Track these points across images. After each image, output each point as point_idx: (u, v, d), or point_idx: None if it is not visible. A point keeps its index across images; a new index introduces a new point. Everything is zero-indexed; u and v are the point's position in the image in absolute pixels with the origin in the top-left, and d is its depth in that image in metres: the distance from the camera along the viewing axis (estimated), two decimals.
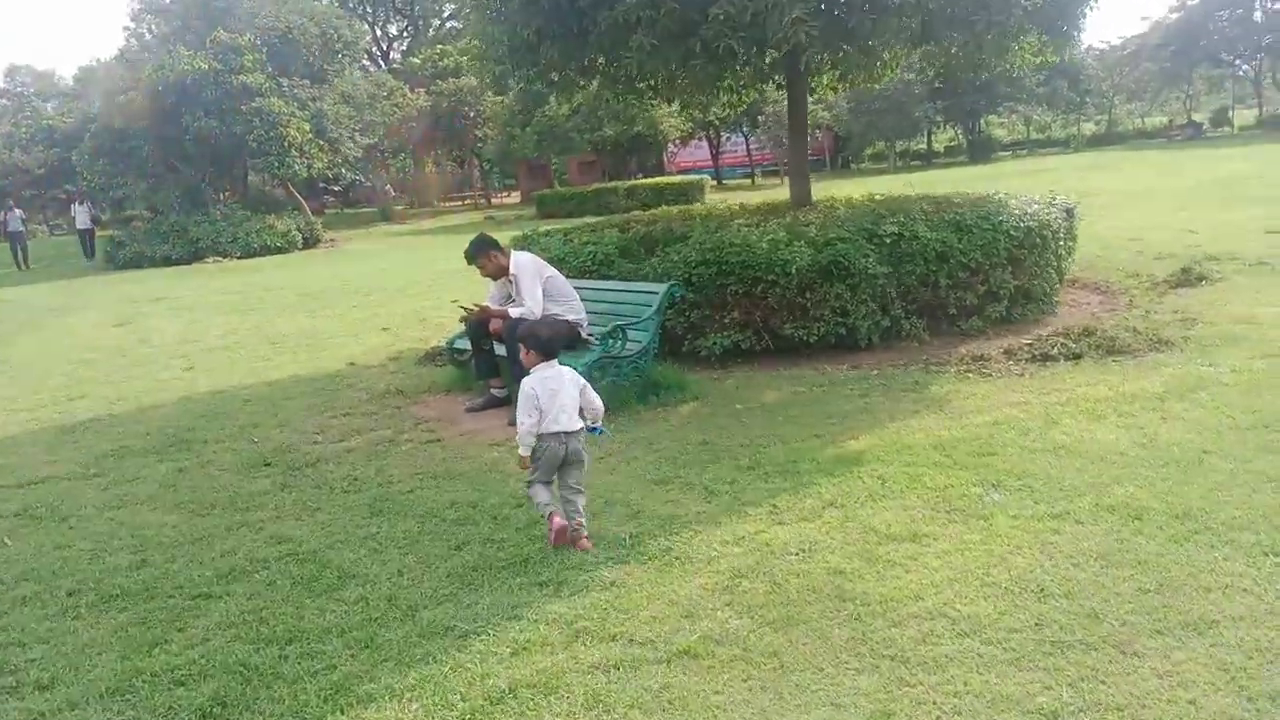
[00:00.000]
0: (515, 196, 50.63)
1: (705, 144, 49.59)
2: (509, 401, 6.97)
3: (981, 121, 56.23)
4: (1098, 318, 8.31)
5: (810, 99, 10.79)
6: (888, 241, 7.78)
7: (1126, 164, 29.91)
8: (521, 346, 4.40)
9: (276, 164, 27.00)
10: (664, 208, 11.18)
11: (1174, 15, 52.61)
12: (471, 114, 38.06)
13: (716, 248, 7.72)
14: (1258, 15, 49.23)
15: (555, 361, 4.31)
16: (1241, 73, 54.05)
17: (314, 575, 4.20)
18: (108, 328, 13.80)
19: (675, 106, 12.70)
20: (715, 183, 40.66)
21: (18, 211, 29.90)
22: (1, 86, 64.92)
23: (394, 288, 15.64)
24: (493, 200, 48.45)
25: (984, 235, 8.00)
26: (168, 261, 25.06)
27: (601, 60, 8.82)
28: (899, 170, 48.82)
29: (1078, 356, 6.88)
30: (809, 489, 4.72)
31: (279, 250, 26.42)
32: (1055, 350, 7.02)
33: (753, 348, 7.69)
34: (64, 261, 29.17)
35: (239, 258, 25.42)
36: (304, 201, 30.39)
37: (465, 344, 7.70)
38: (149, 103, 26.18)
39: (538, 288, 6.75)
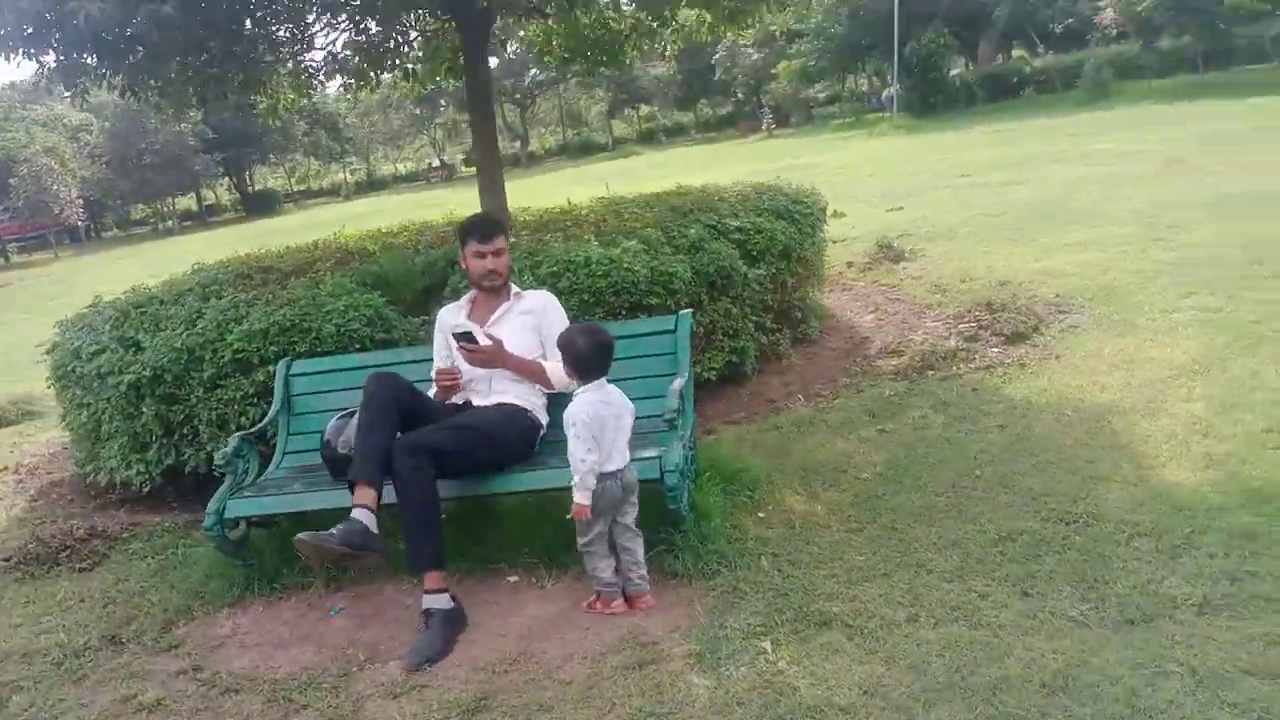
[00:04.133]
0: None
1: None
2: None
3: (252, 174, 53.55)
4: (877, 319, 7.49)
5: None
6: (737, 239, 6.07)
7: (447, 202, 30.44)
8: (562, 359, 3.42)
9: None
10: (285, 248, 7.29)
11: None
12: None
13: (566, 268, 5.20)
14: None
15: (605, 380, 3.38)
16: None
17: None
18: None
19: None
20: None
21: None
22: None
23: None
24: None
25: (808, 223, 6.73)
26: None
27: None
28: (174, 232, 43.77)
29: (1016, 337, 5.96)
30: None
31: None
32: (988, 330, 6.07)
33: None
34: None
35: None
36: None
37: (257, 507, 3.97)
38: None
39: None
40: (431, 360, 4.24)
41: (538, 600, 3.57)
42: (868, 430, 4.72)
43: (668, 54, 8.38)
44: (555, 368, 3.91)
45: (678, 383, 3.83)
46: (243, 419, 4.83)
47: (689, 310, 4.34)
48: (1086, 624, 2.89)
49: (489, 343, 3.86)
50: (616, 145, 52.56)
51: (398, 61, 7.64)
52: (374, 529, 3.32)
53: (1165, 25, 27.08)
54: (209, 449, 4.89)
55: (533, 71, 50.24)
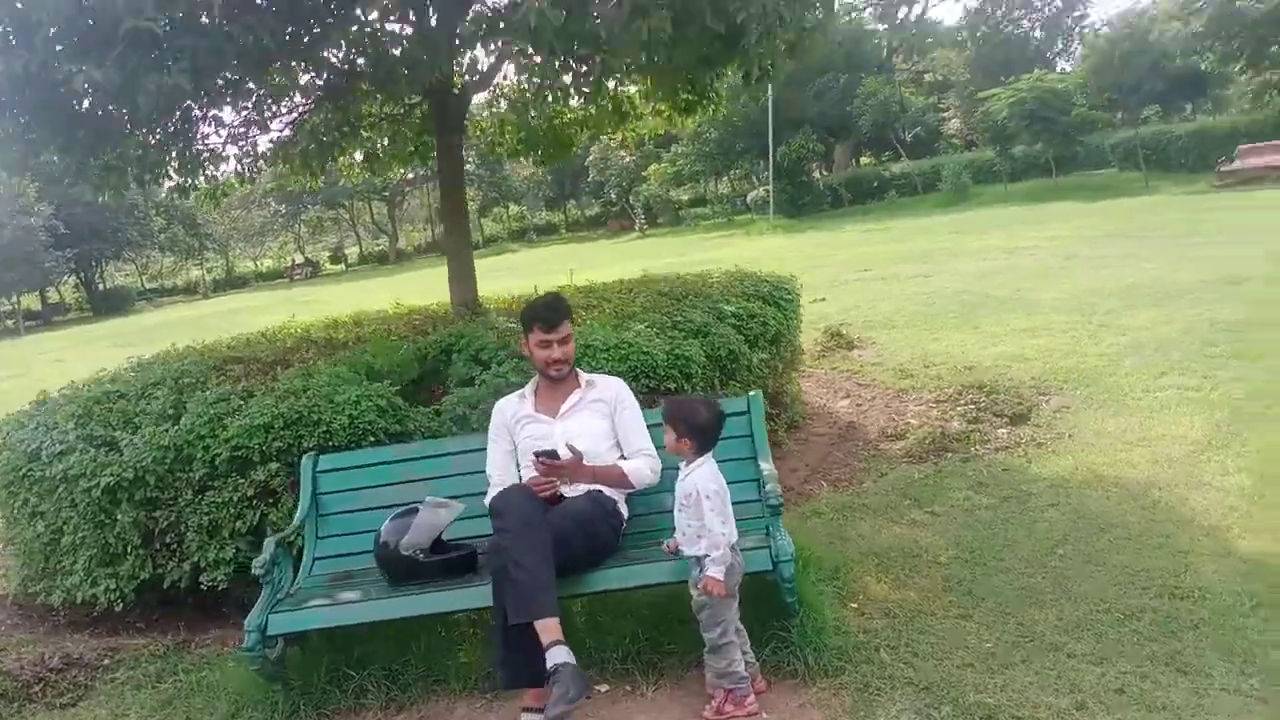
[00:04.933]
0: None
1: None
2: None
3: (103, 271, 50.65)
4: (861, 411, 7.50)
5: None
6: (734, 323, 6.00)
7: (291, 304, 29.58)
8: (673, 431, 3.20)
9: None
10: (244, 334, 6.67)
11: None
12: None
13: (583, 352, 5.00)
14: None
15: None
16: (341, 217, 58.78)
17: None
18: None
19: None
20: None
21: None
22: None
23: None
24: None
25: (792, 308, 6.74)
26: None
27: None
28: (18, 333, 40.69)
29: (1017, 418, 6.03)
30: None
31: None
32: (986, 412, 6.11)
33: None
34: None
35: None
36: None
37: (297, 623, 3.51)
38: None
39: None
40: (484, 450, 3.92)
41: (644, 710, 3.25)
42: (916, 514, 4.62)
43: (626, 143, 8.38)
44: (635, 466, 3.68)
45: (767, 466, 3.66)
46: (239, 524, 4.36)
47: (758, 391, 4.18)
48: (1265, 700, 2.81)
49: (570, 456, 3.57)
50: (488, 243, 52.51)
51: (358, 145, 7.36)
52: (574, 661, 2.99)
53: (1018, 134, 29.32)
54: (196, 559, 4.39)
55: (401, 170, 49.91)
